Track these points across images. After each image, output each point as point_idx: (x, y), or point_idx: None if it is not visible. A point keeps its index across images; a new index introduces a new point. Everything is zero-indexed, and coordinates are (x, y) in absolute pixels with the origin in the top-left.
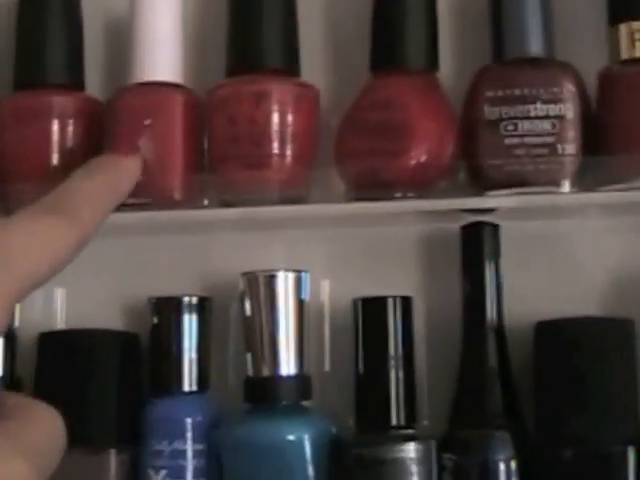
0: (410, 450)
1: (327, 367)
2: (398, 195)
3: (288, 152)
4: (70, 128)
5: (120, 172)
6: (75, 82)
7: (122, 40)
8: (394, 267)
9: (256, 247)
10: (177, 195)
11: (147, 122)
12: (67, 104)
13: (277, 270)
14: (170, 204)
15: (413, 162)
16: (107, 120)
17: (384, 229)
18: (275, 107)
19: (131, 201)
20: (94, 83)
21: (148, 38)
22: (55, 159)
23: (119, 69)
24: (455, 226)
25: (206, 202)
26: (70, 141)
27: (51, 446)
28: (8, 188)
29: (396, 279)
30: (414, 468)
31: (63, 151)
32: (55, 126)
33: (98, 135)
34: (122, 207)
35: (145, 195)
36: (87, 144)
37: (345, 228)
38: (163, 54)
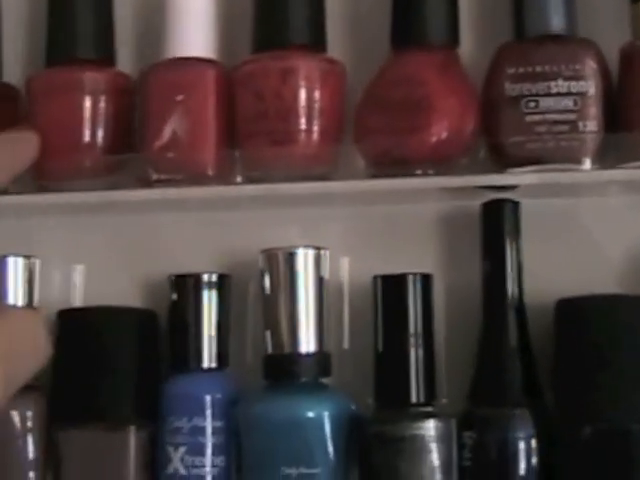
0: (429, 427)
1: (346, 345)
2: (418, 172)
3: (315, 128)
4: (101, 104)
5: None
6: (106, 58)
7: (153, 15)
8: (414, 245)
9: (276, 224)
10: (210, 171)
11: (179, 98)
12: (98, 80)
13: (297, 247)
14: (203, 180)
15: (433, 139)
16: (139, 96)
17: (404, 207)
18: (302, 83)
19: (164, 177)
20: (125, 59)
21: (181, 13)
22: (86, 135)
23: (150, 45)
24: (476, 204)
25: (239, 179)
26: (101, 117)
27: (23, 351)
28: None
29: (416, 257)
30: (433, 445)
31: (94, 127)
32: (87, 102)
33: (129, 111)
34: (151, 183)
35: (178, 171)
36: (118, 120)
37: (365, 206)
38: (195, 29)
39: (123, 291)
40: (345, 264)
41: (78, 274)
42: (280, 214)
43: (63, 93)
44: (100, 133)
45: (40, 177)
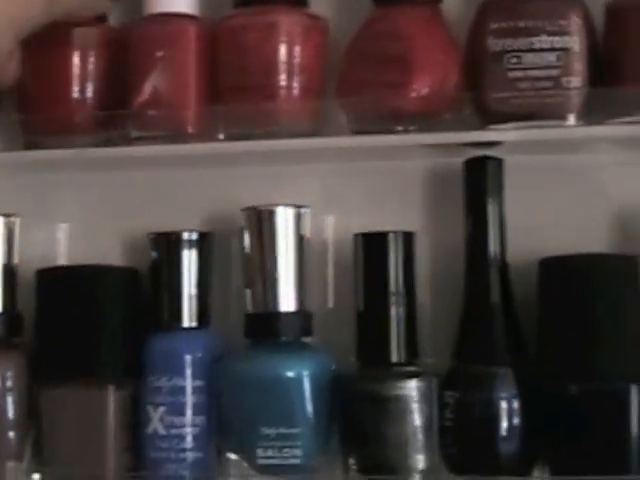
0: (411, 387)
1: (331, 304)
2: (400, 128)
3: (296, 84)
4: (92, 59)
5: None
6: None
7: None
8: (399, 203)
9: (260, 182)
10: (191, 128)
11: (160, 54)
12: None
13: (277, 205)
14: (184, 137)
15: (416, 93)
16: (125, 50)
17: (389, 164)
18: (283, 38)
19: (144, 134)
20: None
21: None
22: (75, 91)
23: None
24: (460, 161)
25: (222, 136)
26: (92, 71)
27: None
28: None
29: (401, 215)
30: (415, 405)
31: (84, 81)
32: (76, 57)
33: (119, 65)
34: (133, 140)
35: (158, 128)
36: (109, 74)
37: (349, 163)
38: None
39: (108, 250)
40: (329, 222)
41: (62, 232)
42: (264, 172)
43: (53, 47)
44: (90, 89)
45: (27, 133)
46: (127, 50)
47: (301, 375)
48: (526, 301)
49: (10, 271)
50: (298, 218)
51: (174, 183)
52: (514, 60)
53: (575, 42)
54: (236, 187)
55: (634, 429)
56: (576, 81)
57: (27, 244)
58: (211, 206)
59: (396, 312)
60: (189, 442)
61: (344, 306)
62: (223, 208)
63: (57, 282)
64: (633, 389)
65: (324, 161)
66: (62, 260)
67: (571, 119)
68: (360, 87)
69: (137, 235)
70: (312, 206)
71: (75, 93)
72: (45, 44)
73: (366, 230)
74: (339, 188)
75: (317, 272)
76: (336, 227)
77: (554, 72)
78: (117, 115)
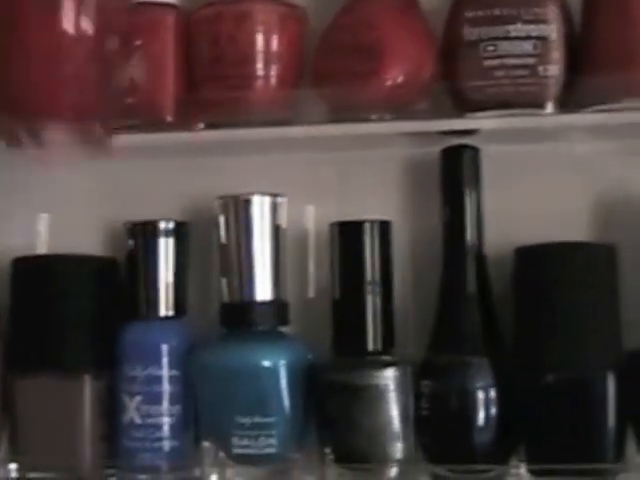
0: (387, 376)
1: (311, 294)
2: (374, 117)
3: (272, 73)
4: None
5: None
6: None
7: None
8: (377, 192)
9: (240, 172)
10: (169, 117)
11: (138, 42)
12: None
13: (253, 194)
14: (162, 126)
15: (389, 83)
16: None
17: (366, 154)
18: (258, 27)
19: (120, 123)
20: None
21: None
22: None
23: None
24: (437, 150)
25: (202, 125)
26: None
27: None
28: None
29: (379, 204)
30: (391, 394)
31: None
32: None
33: None
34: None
35: (136, 117)
36: None
37: (329, 153)
38: None
39: (87, 239)
40: (309, 212)
41: (41, 222)
42: (242, 161)
43: None
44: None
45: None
46: None
47: (276, 364)
48: (503, 291)
49: None
50: (274, 207)
51: (153, 173)
52: (490, 48)
53: (552, 30)
54: (216, 177)
55: (610, 417)
56: (553, 69)
57: (7, 234)
58: (190, 196)
59: (372, 301)
60: (165, 431)
61: (324, 296)
62: (202, 198)
63: (32, 271)
64: (609, 377)
65: (303, 151)
66: (42, 250)
67: (548, 107)
68: (334, 77)
69: (117, 225)
70: (292, 196)
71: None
72: None
73: (346, 219)
74: (318, 178)
75: (297, 262)
76: (316, 217)
77: (530, 60)
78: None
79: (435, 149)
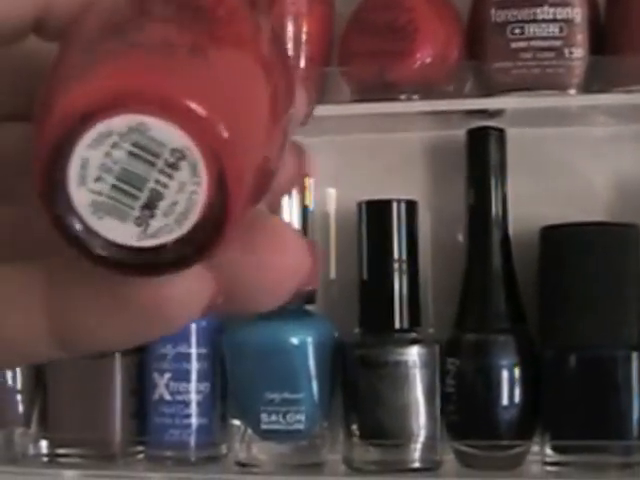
0: (413, 353)
1: (333, 275)
2: (403, 97)
3: (301, 54)
4: None
5: None
6: None
7: None
8: (401, 174)
9: None
10: None
11: None
12: None
13: None
14: None
15: (418, 63)
16: None
17: (391, 136)
18: (289, 9)
19: None
20: None
21: None
22: None
23: None
24: (462, 132)
25: None
26: None
27: None
28: None
29: (403, 186)
30: (416, 371)
31: None
32: None
33: None
34: None
35: None
36: None
37: (352, 136)
38: None
39: None
40: (332, 194)
41: None
42: None
43: None
44: None
45: None
46: None
47: (305, 342)
48: (527, 270)
49: None
50: (302, 188)
51: None
52: (517, 31)
53: (577, 13)
54: None
55: (635, 395)
56: (578, 52)
57: None
58: None
59: (399, 279)
60: (193, 408)
61: (346, 277)
62: None
63: None
64: (634, 356)
65: (326, 134)
66: None
67: (572, 89)
68: (362, 57)
69: None
70: (315, 179)
71: None
72: None
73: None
74: (341, 161)
75: (320, 244)
76: (338, 199)
77: (556, 43)
78: None
79: (459, 132)
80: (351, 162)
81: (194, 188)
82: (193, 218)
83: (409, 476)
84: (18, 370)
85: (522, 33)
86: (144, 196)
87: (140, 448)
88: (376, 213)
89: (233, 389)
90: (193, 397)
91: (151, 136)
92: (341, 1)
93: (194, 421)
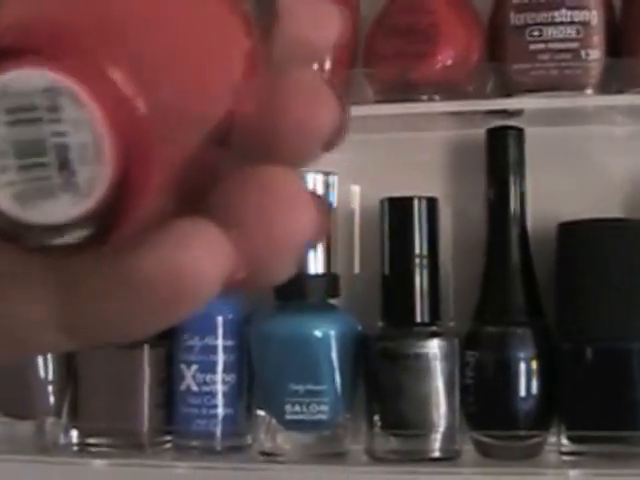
0: (433, 346)
1: (357, 270)
2: (424, 98)
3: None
4: None
5: None
6: None
7: None
8: (423, 172)
9: None
10: None
11: None
12: None
13: (305, 171)
14: None
15: (440, 65)
16: None
17: (413, 135)
18: None
19: None
20: None
21: None
22: None
23: None
24: (481, 132)
25: None
26: None
27: None
28: None
29: (424, 184)
30: (437, 363)
31: None
32: None
33: None
34: None
35: None
36: None
37: (375, 135)
38: None
39: None
40: (356, 191)
41: None
42: None
43: None
44: None
45: None
46: None
47: (328, 335)
48: (545, 265)
49: None
50: (327, 184)
51: None
52: (535, 33)
53: (594, 16)
54: None
55: None
56: (594, 54)
57: None
58: None
59: (420, 274)
60: (220, 399)
61: (369, 272)
62: None
63: None
64: None
65: (351, 133)
66: None
67: (590, 90)
68: (386, 59)
69: None
70: (339, 176)
71: None
72: None
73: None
74: (365, 159)
75: (344, 240)
76: (362, 197)
77: (574, 45)
78: None
79: (478, 131)
80: (374, 160)
81: (87, 116)
82: (108, 147)
83: (429, 465)
84: (49, 362)
85: (540, 35)
86: (53, 158)
87: (167, 438)
88: (398, 210)
89: (259, 380)
90: (219, 388)
91: (16, 92)
92: (365, 4)
93: (220, 411)
